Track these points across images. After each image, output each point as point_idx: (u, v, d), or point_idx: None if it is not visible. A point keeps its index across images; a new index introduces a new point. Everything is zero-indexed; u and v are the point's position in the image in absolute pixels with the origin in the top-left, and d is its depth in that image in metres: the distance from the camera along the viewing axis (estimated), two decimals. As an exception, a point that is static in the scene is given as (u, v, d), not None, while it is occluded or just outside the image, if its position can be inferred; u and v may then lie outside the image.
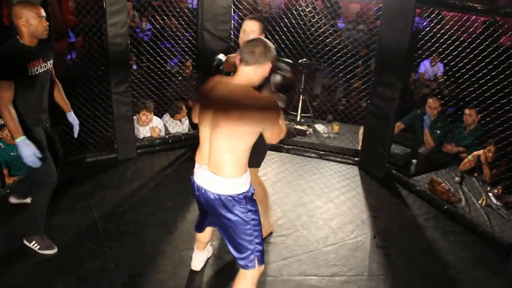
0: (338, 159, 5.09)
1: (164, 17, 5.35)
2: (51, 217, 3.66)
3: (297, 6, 5.33)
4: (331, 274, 3.29)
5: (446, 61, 4.96)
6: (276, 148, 5.17)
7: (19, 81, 2.91)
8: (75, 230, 3.58)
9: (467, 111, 5.03)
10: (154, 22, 5.82)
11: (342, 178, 4.69)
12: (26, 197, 3.78)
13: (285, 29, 5.31)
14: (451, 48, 4.65)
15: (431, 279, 3.33)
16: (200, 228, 2.88)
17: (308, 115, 5.76)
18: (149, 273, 3.15)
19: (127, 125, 4.64)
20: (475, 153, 4.71)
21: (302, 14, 5.36)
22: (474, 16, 4.67)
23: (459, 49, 4.57)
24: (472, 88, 4.49)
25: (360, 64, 6.45)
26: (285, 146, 5.22)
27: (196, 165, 2.45)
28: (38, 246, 3.29)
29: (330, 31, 5.56)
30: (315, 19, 5.43)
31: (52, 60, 3.21)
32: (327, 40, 5.49)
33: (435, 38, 4.59)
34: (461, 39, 4.78)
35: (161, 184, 4.35)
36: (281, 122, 2.35)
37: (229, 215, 2.38)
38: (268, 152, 5.02)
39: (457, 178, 4.65)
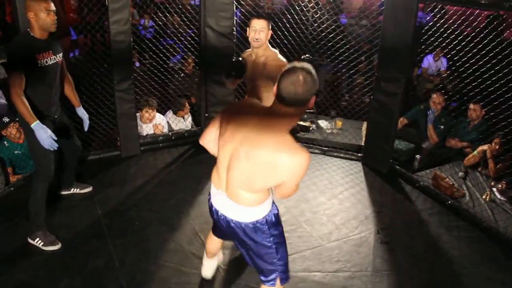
0: (342, 155, 5.09)
1: (167, 14, 5.34)
2: (55, 215, 3.68)
3: (300, 2, 5.31)
4: (335, 270, 3.29)
5: (449, 56, 4.92)
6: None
7: (29, 72, 3.03)
8: (79, 228, 3.59)
9: (471, 106, 5.00)
10: (157, 19, 5.81)
11: (345, 174, 4.68)
12: (70, 187, 3.99)
13: (288, 25, 5.29)
14: (454, 42, 4.62)
15: (435, 274, 3.32)
16: (215, 233, 2.81)
17: (311, 111, 5.75)
18: (153, 270, 3.16)
19: (130, 122, 4.64)
20: (480, 148, 4.69)
21: (305, 9, 5.33)
22: (478, 10, 4.65)
23: (462, 44, 4.53)
24: (476, 83, 4.47)
25: (363, 60, 6.43)
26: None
27: (213, 189, 2.33)
28: (42, 243, 3.32)
29: (333, 26, 5.53)
30: (317, 15, 5.41)
31: (61, 54, 3.30)
32: (330, 36, 5.46)
33: (438, 33, 4.55)
34: (465, 33, 4.74)
35: (165, 181, 4.36)
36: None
37: (250, 242, 2.30)
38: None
39: (461, 173, 4.63)
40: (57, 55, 3.24)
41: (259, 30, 3.24)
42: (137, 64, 6.61)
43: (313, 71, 1.95)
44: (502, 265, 3.48)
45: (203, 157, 4.79)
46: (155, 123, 5.07)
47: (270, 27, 3.32)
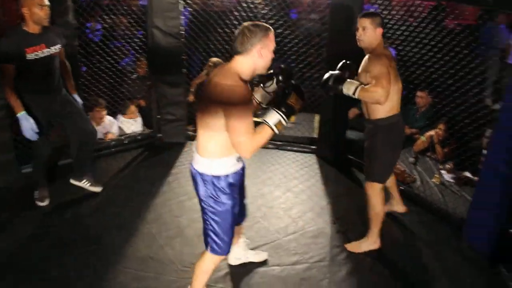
0: (296, 148, 5.14)
1: (113, 16, 5.24)
2: (5, 227, 3.57)
3: (248, -2, 5.30)
4: (293, 263, 3.33)
5: (396, 46, 5.04)
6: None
7: (17, 64, 3.28)
8: (33, 239, 3.48)
9: (418, 93, 5.15)
10: (102, 22, 5.69)
11: (300, 167, 4.73)
12: (81, 179, 4.04)
13: (237, 23, 5.28)
14: (400, 33, 4.73)
15: (390, 259, 3.41)
16: None
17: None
18: (111, 277, 3.11)
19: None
20: (428, 133, 4.85)
21: (253, 6, 5.34)
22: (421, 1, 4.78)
23: (407, 34, 4.65)
24: (422, 71, 4.61)
25: (313, 53, 6.49)
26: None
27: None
28: (37, 197, 3.87)
29: (283, 21, 5.56)
30: (266, 11, 5.43)
31: (58, 45, 3.50)
32: (280, 31, 5.49)
33: (385, 24, 4.65)
34: (409, 23, 4.87)
35: (120, 186, 4.28)
36: (250, 132, 2.24)
37: (197, 190, 2.49)
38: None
39: (411, 159, 4.78)
40: (52, 47, 3.43)
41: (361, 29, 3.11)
42: (84, 68, 6.44)
43: (253, 27, 2.29)
44: (452, 246, 3.61)
45: (156, 160, 4.76)
46: (105, 132, 4.97)
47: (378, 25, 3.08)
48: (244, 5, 5.26)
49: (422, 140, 4.87)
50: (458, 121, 4.39)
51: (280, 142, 5.19)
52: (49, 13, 3.31)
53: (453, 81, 4.25)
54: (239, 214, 2.67)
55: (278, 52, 5.60)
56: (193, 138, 5.19)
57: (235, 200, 2.51)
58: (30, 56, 3.29)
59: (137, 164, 4.72)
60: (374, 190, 3.29)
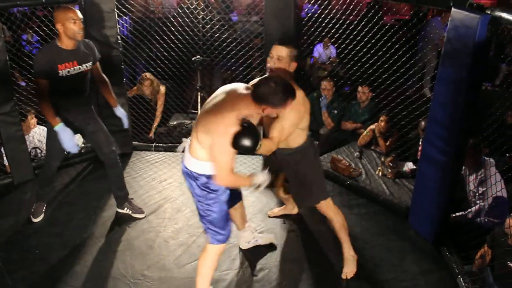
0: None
1: (52, 26, 5.08)
2: None
3: (189, 5, 5.28)
4: (246, 265, 3.35)
5: (338, 43, 5.16)
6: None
7: (50, 80, 3.28)
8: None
9: (360, 88, 5.29)
10: (42, 33, 5.50)
11: (248, 170, 4.73)
12: (122, 207, 3.96)
13: (180, 28, 5.25)
14: (340, 30, 4.83)
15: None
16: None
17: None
18: (58, 297, 3.02)
19: (18, 146, 4.36)
20: (370, 127, 4.98)
21: (195, 12, 5.32)
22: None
23: (347, 31, 4.76)
24: (363, 67, 4.72)
25: (256, 55, 6.54)
26: (190, 145, 5.17)
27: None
28: (33, 211, 3.88)
29: (224, 25, 5.58)
30: (208, 16, 5.43)
31: (90, 63, 3.48)
32: (221, 35, 5.50)
33: (324, 23, 4.74)
34: (349, 21, 4.98)
35: (64, 202, 4.15)
36: (230, 171, 2.44)
37: (192, 188, 2.65)
38: (171, 154, 5.04)
39: (356, 153, 4.90)
40: (84, 65, 3.40)
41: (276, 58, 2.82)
42: (23, 83, 6.23)
43: (285, 92, 2.37)
44: (399, 233, 3.75)
45: (102, 173, 4.62)
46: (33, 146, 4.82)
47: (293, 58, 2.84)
48: (183, 10, 5.24)
49: (365, 134, 5.00)
50: (398, 113, 4.54)
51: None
52: (82, 27, 3.29)
53: (388, 74, 4.39)
54: (232, 197, 2.82)
55: (222, 56, 5.68)
56: (138, 148, 5.11)
57: (226, 192, 2.66)
58: (62, 72, 3.30)
59: (81, 179, 4.58)
60: (325, 207, 3.21)
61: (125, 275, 3.24)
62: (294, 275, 3.28)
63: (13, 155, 4.35)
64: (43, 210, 3.92)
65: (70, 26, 3.21)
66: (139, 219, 3.87)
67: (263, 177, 2.62)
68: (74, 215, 3.94)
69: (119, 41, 4.67)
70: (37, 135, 4.87)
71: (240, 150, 2.37)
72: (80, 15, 3.26)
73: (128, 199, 3.96)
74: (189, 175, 2.61)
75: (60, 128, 3.27)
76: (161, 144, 5.22)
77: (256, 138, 2.39)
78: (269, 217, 3.91)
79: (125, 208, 3.92)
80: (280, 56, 2.77)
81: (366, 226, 3.84)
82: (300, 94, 2.68)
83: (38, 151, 4.87)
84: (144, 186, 4.40)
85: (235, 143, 2.33)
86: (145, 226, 3.78)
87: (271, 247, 3.54)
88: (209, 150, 2.43)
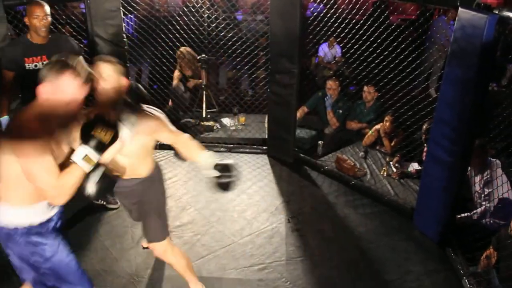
0: (247, 150, 5.13)
1: (58, 25, 5.09)
2: None
3: (195, 3, 5.28)
4: (250, 265, 3.33)
5: (344, 43, 5.14)
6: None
7: (16, 73, 3.31)
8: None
9: (365, 88, 5.26)
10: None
11: (252, 168, 4.74)
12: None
13: (185, 27, 5.25)
14: (346, 30, 4.81)
15: (346, 253, 3.48)
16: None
17: (214, 110, 5.76)
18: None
19: None
20: (375, 127, 4.96)
21: (201, 10, 5.32)
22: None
23: (353, 31, 4.74)
24: (368, 67, 4.70)
25: (261, 54, 6.53)
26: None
27: None
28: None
29: (230, 24, 5.57)
30: (214, 15, 5.43)
31: None
32: (227, 34, 5.49)
33: (330, 22, 4.72)
34: (354, 20, 4.96)
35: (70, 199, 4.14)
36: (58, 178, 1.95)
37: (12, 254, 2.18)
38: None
39: (361, 153, 4.87)
40: None
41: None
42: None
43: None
44: (404, 233, 3.72)
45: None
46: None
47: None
48: (189, 9, 5.23)
49: (370, 134, 4.98)
50: (403, 113, 4.51)
51: (231, 145, 5.18)
52: (48, 23, 3.32)
53: (394, 74, 4.37)
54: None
55: (227, 55, 5.67)
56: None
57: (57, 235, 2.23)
58: (29, 66, 3.32)
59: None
60: (161, 250, 2.80)
61: (130, 273, 3.23)
62: (298, 274, 3.27)
63: None
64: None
65: (33, 22, 3.27)
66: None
67: (78, 150, 1.98)
68: (80, 212, 3.91)
69: (124, 40, 4.67)
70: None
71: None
72: (46, 12, 3.30)
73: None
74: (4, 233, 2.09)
75: (4, 120, 3.29)
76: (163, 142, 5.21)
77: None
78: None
79: (100, 200, 3.96)
80: (106, 75, 2.33)
81: (370, 226, 3.82)
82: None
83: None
84: (148, 185, 4.38)
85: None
86: (149, 225, 3.78)
87: (277, 245, 3.53)
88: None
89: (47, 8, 3.33)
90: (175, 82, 5.73)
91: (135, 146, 2.40)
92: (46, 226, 2.17)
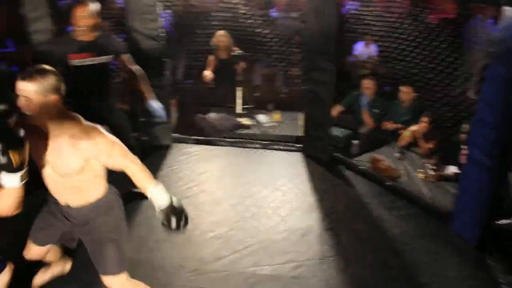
0: (282, 147, 5.13)
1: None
2: None
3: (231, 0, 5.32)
4: (283, 262, 3.33)
5: (380, 41, 5.08)
6: (218, 142, 5.21)
7: (62, 69, 3.19)
8: None
9: (403, 88, 5.18)
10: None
11: (287, 166, 4.74)
12: None
13: (217, 23, 5.29)
14: (381, 29, 4.76)
15: (379, 253, 3.44)
16: None
17: (249, 106, 5.78)
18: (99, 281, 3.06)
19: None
20: (411, 128, 4.89)
21: (236, 7, 5.35)
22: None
23: (388, 29, 4.68)
24: (406, 66, 4.64)
25: (295, 51, 6.51)
26: (228, 140, 5.23)
27: None
28: None
29: (264, 21, 5.58)
30: (250, 12, 5.45)
31: (108, 56, 3.55)
32: (262, 30, 5.50)
33: (365, 20, 4.68)
34: (391, 19, 4.90)
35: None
36: None
37: None
38: (211, 147, 5.10)
39: (397, 154, 4.81)
40: (99, 57, 3.49)
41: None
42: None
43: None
44: (440, 237, 3.65)
45: (143, 163, 4.70)
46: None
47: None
48: (224, 5, 5.27)
49: (406, 135, 4.91)
50: (441, 115, 4.44)
51: (266, 141, 5.19)
52: (92, 23, 3.40)
53: (434, 75, 4.30)
54: None
55: (260, 52, 5.69)
56: (177, 140, 5.16)
57: None
58: (74, 62, 3.41)
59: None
60: (117, 284, 2.49)
61: (163, 265, 3.28)
62: (331, 273, 3.25)
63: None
64: None
65: (75, 22, 3.37)
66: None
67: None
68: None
69: (161, 34, 4.73)
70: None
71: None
72: (89, 12, 3.39)
73: None
74: None
75: None
76: (200, 137, 5.27)
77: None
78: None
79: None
80: (27, 95, 2.05)
81: (405, 228, 3.77)
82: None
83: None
84: (183, 178, 4.45)
85: None
86: (184, 218, 3.82)
87: (311, 243, 3.53)
88: None
89: (93, 8, 3.41)
90: (208, 71, 5.56)
91: (75, 168, 2.17)
92: None
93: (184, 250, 3.43)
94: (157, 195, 2.20)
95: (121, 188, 2.62)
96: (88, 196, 2.36)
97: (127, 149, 2.28)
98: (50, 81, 2.10)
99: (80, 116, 2.27)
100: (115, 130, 3.65)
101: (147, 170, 2.29)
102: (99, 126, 2.25)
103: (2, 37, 5.71)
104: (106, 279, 2.45)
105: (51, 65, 3.23)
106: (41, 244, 2.58)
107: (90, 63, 3.48)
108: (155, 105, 3.78)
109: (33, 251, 2.61)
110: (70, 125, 2.17)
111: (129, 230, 3.57)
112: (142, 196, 2.35)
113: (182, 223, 2.18)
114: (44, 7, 4.11)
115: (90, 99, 3.57)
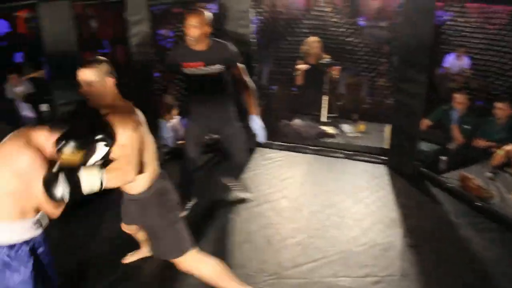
0: (366, 159, 5.04)
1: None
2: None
3: (317, 7, 5.32)
4: (363, 275, 3.26)
5: (474, 54, 4.85)
6: (302, 149, 5.21)
7: (180, 75, 3.67)
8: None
9: (498, 104, 4.91)
10: (175, 30, 5.89)
11: (370, 178, 4.65)
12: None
13: (306, 30, 5.31)
14: (477, 41, 4.55)
15: (465, 277, 3.26)
16: None
17: (334, 115, 5.74)
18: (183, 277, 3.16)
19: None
20: (506, 147, 4.61)
21: (326, 15, 5.35)
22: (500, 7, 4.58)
23: (485, 42, 4.47)
24: (501, 81, 4.40)
25: (383, 61, 6.39)
26: (311, 147, 5.21)
27: None
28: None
29: (353, 30, 5.53)
30: (339, 19, 5.43)
31: (219, 65, 3.49)
32: (349, 39, 5.45)
33: (460, 32, 4.50)
34: (487, 31, 4.67)
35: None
36: None
37: None
38: (294, 154, 5.12)
39: (489, 174, 4.56)
40: (210, 66, 3.47)
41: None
42: (157, 74, 6.69)
43: None
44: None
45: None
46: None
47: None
48: (314, 13, 5.28)
49: (499, 154, 4.64)
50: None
51: (350, 152, 5.13)
52: (202, 32, 3.36)
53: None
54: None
55: (348, 61, 5.62)
56: (261, 145, 5.21)
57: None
58: (187, 71, 3.51)
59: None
60: (187, 263, 2.65)
61: (243, 266, 3.33)
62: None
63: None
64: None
65: (186, 31, 3.39)
66: (260, 214, 3.97)
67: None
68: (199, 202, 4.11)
69: (252, 40, 4.82)
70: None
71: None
72: (199, 21, 3.32)
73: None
74: None
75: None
76: (284, 143, 5.31)
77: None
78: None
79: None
80: (89, 79, 2.34)
81: (495, 252, 3.54)
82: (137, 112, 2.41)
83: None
84: (265, 183, 4.50)
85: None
86: (264, 222, 3.87)
87: (392, 259, 3.43)
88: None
89: (203, 18, 3.35)
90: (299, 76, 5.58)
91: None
92: (21, 249, 2.05)
93: (264, 253, 3.47)
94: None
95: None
96: (133, 189, 2.54)
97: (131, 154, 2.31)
98: (105, 66, 2.39)
99: (131, 105, 2.46)
100: (237, 145, 3.82)
101: (121, 172, 2.29)
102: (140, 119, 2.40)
103: (107, 40, 6.10)
104: (176, 262, 2.67)
105: (170, 71, 3.64)
106: (126, 223, 2.99)
107: (203, 72, 3.49)
108: (258, 122, 3.68)
109: (124, 227, 3.06)
110: (117, 111, 2.30)
111: (211, 231, 3.70)
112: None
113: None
114: (145, 10, 4.33)
115: (206, 106, 3.66)
